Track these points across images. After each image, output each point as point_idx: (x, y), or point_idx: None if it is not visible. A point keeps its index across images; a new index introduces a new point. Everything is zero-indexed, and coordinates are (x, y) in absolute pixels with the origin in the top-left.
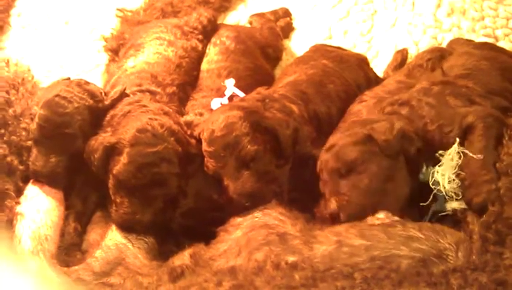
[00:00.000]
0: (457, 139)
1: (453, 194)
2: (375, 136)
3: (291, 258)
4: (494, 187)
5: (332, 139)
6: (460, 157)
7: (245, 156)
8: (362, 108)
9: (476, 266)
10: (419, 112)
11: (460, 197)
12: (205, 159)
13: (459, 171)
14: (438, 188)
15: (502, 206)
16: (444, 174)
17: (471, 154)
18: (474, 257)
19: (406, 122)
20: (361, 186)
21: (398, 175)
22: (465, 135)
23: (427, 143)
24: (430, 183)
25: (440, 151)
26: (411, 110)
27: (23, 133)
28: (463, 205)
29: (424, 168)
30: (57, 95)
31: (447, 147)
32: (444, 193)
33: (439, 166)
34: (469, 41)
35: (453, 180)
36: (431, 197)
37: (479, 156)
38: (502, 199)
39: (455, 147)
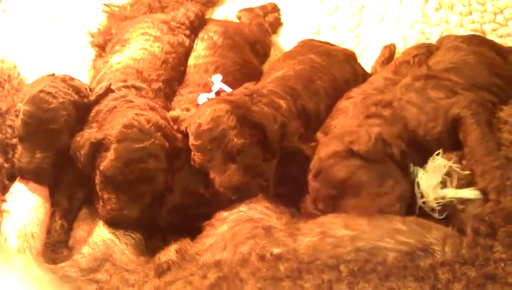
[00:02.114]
0: (441, 150)
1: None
2: (356, 149)
3: (276, 250)
4: (506, 173)
5: (316, 162)
6: (445, 166)
7: (232, 149)
8: (349, 105)
9: (464, 260)
10: (400, 113)
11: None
12: (192, 152)
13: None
14: (423, 200)
15: (498, 198)
16: (429, 185)
17: (455, 167)
18: (464, 250)
19: (385, 126)
20: (361, 204)
21: (392, 177)
22: (453, 128)
23: (411, 142)
24: (418, 195)
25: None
26: (393, 111)
27: (9, 130)
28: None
29: (411, 168)
30: (42, 91)
31: (431, 142)
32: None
33: (423, 174)
34: (458, 36)
35: (435, 188)
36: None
37: (460, 163)
38: (504, 191)
39: (439, 158)
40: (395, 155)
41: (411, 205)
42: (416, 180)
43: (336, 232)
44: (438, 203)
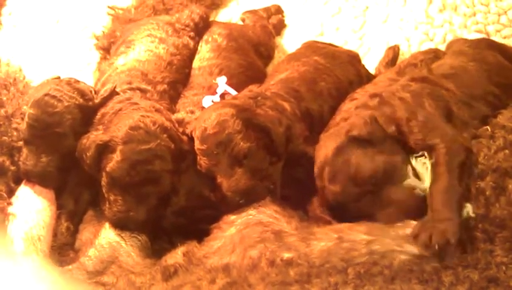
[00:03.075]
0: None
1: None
2: (356, 134)
3: (286, 255)
4: (450, 225)
5: (323, 166)
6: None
7: (238, 153)
8: (352, 106)
9: (467, 263)
10: (388, 101)
11: None
12: (198, 157)
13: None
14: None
15: (487, 207)
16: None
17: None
18: (465, 254)
19: (374, 110)
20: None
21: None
22: (427, 151)
23: (396, 128)
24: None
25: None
26: (380, 100)
27: (15, 133)
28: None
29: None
30: (47, 94)
31: (411, 144)
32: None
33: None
34: (467, 40)
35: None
36: None
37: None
38: (489, 199)
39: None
40: (393, 133)
41: None
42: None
43: (354, 237)
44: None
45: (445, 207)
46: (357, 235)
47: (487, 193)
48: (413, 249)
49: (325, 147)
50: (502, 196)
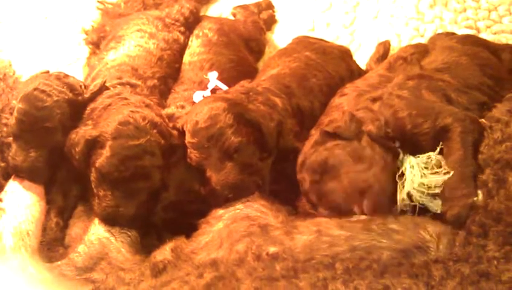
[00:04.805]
0: (438, 149)
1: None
2: (330, 129)
3: (272, 249)
4: (471, 201)
5: (300, 156)
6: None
7: (229, 147)
8: (343, 101)
9: (458, 257)
10: (388, 103)
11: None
12: (188, 150)
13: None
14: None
15: (487, 199)
16: (414, 174)
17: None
18: (456, 248)
19: (370, 113)
20: (340, 185)
21: (367, 156)
22: (440, 135)
23: (399, 130)
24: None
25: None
26: (381, 103)
27: (4, 129)
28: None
29: (401, 155)
30: (36, 89)
31: (419, 137)
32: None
33: (411, 167)
34: (451, 35)
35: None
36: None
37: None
38: (490, 191)
39: (433, 154)
40: (372, 133)
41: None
42: (401, 169)
43: (332, 231)
44: (420, 195)
45: (463, 182)
46: (334, 230)
47: (489, 185)
48: (392, 242)
49: (309, 141)
50: (502, 189)
